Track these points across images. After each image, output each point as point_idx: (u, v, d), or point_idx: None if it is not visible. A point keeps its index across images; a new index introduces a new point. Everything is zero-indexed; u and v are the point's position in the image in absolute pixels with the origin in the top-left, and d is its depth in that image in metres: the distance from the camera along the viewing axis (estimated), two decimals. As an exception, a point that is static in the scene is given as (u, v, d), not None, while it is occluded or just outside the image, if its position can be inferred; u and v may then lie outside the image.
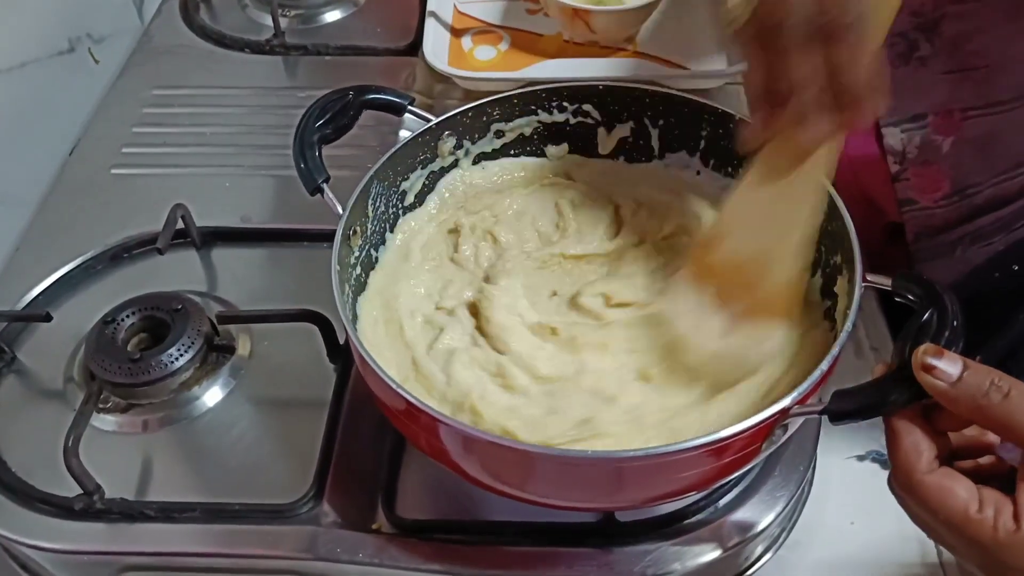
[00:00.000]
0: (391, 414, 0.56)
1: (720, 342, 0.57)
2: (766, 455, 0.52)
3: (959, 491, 0.44)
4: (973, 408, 0.44)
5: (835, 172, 0.82)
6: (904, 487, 0.46)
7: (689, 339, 0.57)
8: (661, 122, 0.68)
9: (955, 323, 0.47)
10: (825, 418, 0.48)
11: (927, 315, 0.48)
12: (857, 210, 0.81)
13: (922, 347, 0.45)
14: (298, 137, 0.61)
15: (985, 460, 0.48)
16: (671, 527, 0.59)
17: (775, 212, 0.56)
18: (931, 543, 0.62)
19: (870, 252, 0.55)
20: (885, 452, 0.66)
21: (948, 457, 0.46)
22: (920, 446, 0.45)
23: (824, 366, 0.50)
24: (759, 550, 0.62)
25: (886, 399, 0.46)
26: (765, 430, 0.49)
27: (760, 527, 0.59)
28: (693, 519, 0.60)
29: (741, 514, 0.60)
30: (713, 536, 0.59)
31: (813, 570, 0.62)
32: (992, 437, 0.48)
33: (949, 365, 0.44)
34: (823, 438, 0.63)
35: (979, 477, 0.45)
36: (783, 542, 0.63)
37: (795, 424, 0.50)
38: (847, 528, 0.63)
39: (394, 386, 0.50)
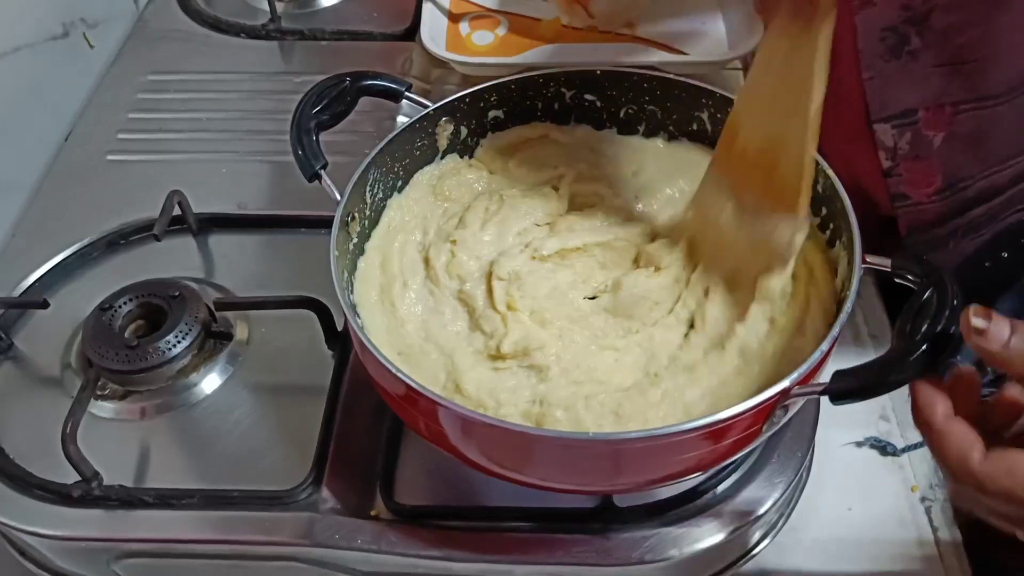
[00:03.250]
0: (390, 399, 0.55)
1: (740, 231, 0.58)
2: (766, 437, 0.52)
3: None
4: None
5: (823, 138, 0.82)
6: (964, 480, 0.43)
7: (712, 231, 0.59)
8: (659, 107, 0.68)
9: (955, 302, 0.47)
10: (824, 404, 0.48)
11: (927, 294, 0.48)
12: (852, 202, 0.82)
13: (970, 308, 0.43)
14: (295, 123, 0.61)
15: None
16: (669, 512, 0.59)
17: (782, 93, 0.55)
18: (928, 529, 0.62)
19: (864, 243, 0.55)
20: (882, 439, 0.67)
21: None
22: (968, 438, 0.43)
23: (824, 346, 0.50)
24: (757, 535, 0.62)
25: (886, 378, 0.46)
26: (766, 411, 0.49)
27: (758, 513, 0.59)
28: (691, 505, 0.60)
29: (739, 500, 0.60)
30: (711, 522, 0.59)
31: (811, 555, 0.62)
32: None
33: (998, 327, 0.43)
34: (821, 425, 0.63)
35: None
36: (781, 527, 0.63)
37: (796, 405, 0.51)
38: (845, 514, 0.63)
39: (393, 370, 0.50)
